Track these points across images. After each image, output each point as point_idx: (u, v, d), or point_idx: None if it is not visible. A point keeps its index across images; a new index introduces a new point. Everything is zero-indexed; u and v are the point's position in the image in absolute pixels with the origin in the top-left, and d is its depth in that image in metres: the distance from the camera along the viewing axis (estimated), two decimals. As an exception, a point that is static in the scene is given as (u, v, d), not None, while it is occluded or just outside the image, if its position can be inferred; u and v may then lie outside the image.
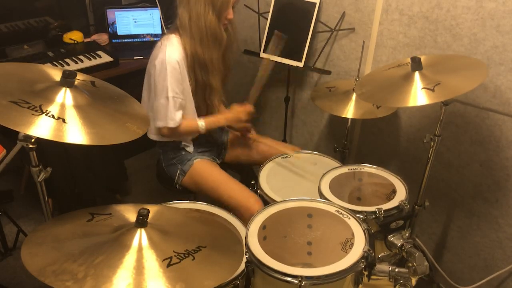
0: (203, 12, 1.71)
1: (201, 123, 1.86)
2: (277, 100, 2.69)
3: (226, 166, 2.14)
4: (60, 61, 2.31)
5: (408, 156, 2.18)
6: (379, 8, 2.02)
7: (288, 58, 2.25)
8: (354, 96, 1.98)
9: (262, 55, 2.32)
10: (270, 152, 2.07)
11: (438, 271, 2.21)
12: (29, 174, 2.35)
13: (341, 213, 1.49)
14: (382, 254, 1.58)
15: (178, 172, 1.95)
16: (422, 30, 1.91)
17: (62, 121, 1.14)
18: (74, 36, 2.53)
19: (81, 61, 2.32)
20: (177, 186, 1.97)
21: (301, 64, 2.22)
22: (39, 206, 1.32)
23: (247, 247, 1.33)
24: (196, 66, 1.80)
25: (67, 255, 1.02)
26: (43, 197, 1.30)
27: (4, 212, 2.26)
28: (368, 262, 1.30)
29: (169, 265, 1.02)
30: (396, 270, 1.36)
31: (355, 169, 1.81)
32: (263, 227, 1.44)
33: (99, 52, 2.41)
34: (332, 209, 1.51)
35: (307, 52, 2.20)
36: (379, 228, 1.54)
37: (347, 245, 1.44)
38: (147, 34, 2.67)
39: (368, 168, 1.81)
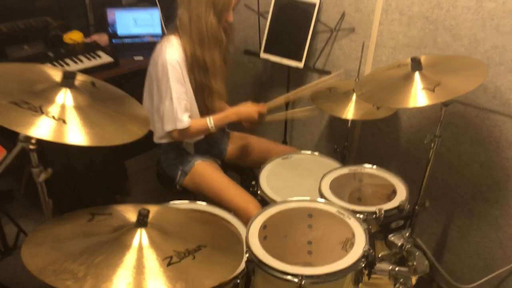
0: (204, 14, 1.71)
1: (210, 121, 1.84)
2: (277, 100, 2.69)
3: (227, 167, 2.14)
4: (60, 61, 2.30)
5: (408, 156, 2.18)
6: (379, 8, 2.02)
7: (288, 58, 2.25)
8: (354, 96, 1.98)
9: (262, 55, 2.32)
10: (269, 154, 2.07)
11: (438, 271, 2.21)
12: (29, 174, 2.34)
13: (341, 213, 1.49)
14: (383, 253, 1.57)
15: (179, 173, 1.95)
16: (422, 30, 1.91)
17: (62, 121, 1.14)
18: (74, 36, 2.53)
19: (81, 61, 2.32)
20: (177, 186, 1.97)
21: (301, 65, 2.22)
22: (39, 206, 1.32)
23: (248, 246, 1.33)
24: (195, 67, 1.80)
25: (67, 255, 1.02)
26: (44, 197, 1.30)
27: (4, 212, 2.26)
28: (368, 261, 1.30)
29: (169, 264, 1.02)
30: (396, 269, 1.36)
31: (356, 169, 1.81)
32: (264, 227, 1.44)
33: (99, 53, 2.41)
34: (332, 209, 1.51)
35: (307, 52, 2.20)
36: (380, 228, 1.54)
37: (347, 244, 1.44)
38: (147, 34, 2.67)
39: (368, 169, 1.81)
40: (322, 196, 1.65)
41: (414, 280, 1.39)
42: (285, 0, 2.26)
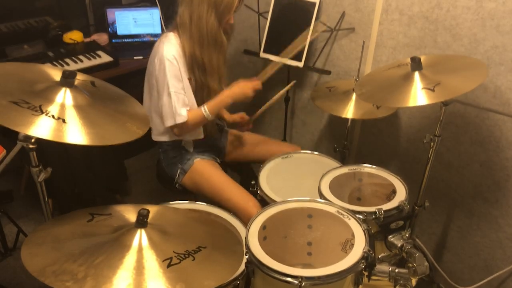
0: (205, 15, 1.71)
1: (204, 109, 1.81)
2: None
3: (226, 166, 2.14)
4: (60, 61, 2.30)
5: (408, 156, 2.18)
6: (379, 8, 2.02)
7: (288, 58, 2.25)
8: (354, 96, 1.98)
9: (262, 55, 2.32)
10: (270, 152, 2.07)
11: (438, 271, 2.21)
12: (29, 174, 2.35)
13: (341, 214, 1.49)
14: (382, 254, 1.58)
15: (179, 171, 1.95)
16: (422, 30, 1.91)
17: (62, 121, 1.13)
18: (74, 36, 2.53)
19: (81, 61, 2.32)
20: (177, 185, 1.97)
21: (301, 64, 2.22)
22: (39, 206, 1.32)
23: (247, 247, 1.33)
24: (194, 66, 1.80)
25: (67, 255, 1.01)
26: (43, 197, 1.30)
27: (4, 212, 2.26)
28: (368, 262, 1.30)
29: (169, 265, 1.02)
30: (396, 270, 1.36)
31: (355, 169, 1.81)
32: (263, 227, 1.44)
33: (99, 52, 2.41)
34: (332, 209, 1.51)
35: (307, 52, 2.19)
36: (379, 228, 1.54)
37: (347, 245, 1.44)
38: (147, 34, 2.67)
39: (368, 169, 1.81)
40: (321, 196, 1.65)
41: (414, 281, 1.39)
42: (285, 0, 2.26)
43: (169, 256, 1.04)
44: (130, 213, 1.21)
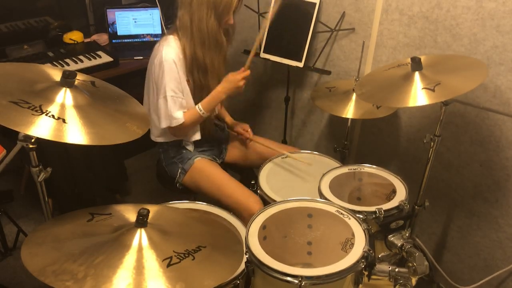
0: (205, 16, 1.72)
1: (199, 108, 1.83)
2: (277, 100, 2.69)
3: (226, 166, 2.14)
4: (60, 61, 2.31)
5: (408, 156, 2.18)
6: (379, 8, 2.02)
7: (288, 58, 2.25)
8: (354, 96, 1.98)
9: (262, 55, 2.32)
10: (267, 154, 2.07)
11: (438, 271, 2.21)
12: (29, 174, 2.35)
13: (341, 213, 1.49)
14: (382, 254, 1.58)
15: (179, 171, 1.95)
16: (422, 30, 1.91)
17: (62, 121, 1.14)
18: (74, 36, 2.53)
19: (81, 61, 2.32)
20: (177, 185, 1.98)
21: (301, 64, 2.22)
22: (39, 206, 1.32)
23: (247, 247, 1.33)
24: (194, 68, 1.81)
25: (67, 255, 1.02)
26: (43, 197, 1.30)
27: (4, 212, 2.26)
28: (368, 262, 1.30)
29: (169, 265, 1.02)
30: (396, 270, 1.36)
31: (355, 169, 1.81)
32: (263, 227, 1.44)
33: (99, 52, 2.41)
34: (332, 209, 1.51)
35: (307, 52, 2.19)
36: (379, 228, 1.54)
37: (347, 245, 1.44)
38: (147, 34, 2.67)
39: (368, 168, 1.81)
40: (321, 195, 1.65)
41: (414, 281, 1.39)
42: (285, 0, 2.26)
43: (169, 256, 1.04)
44: (130, 213, 1.21)
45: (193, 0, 1.71)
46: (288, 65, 2.27)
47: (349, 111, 1.96)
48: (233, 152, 2.15)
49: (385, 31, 2.04)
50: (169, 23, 2.55)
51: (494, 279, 2.01)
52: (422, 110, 2.04)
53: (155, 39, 2.65)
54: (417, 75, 1.54)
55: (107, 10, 2.60)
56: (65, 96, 1.20)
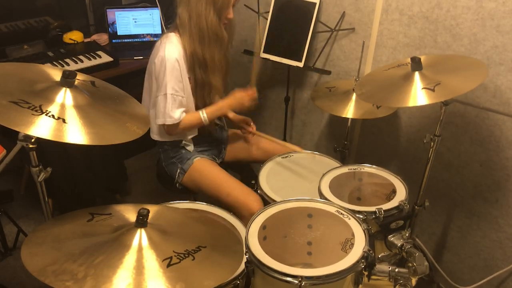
0: (204, 12, 1.71)
1: (203, 114, 1.85)
2: (277, 100, 2.69)
3: (226, 166, 2.14)
4: (60, 61, 2.31)
5: (408, 156, 2.18)
6: (379, 8, 2.02)
7: (288, 58, 2.25)
8: (354, 96, 1.98)
9: (262, 55, 2.32)
10: (270, 149, 2.07)
11: (438, 271, 2.21)
12: (29, 174, 2.35)
13: (341, 213, 1.49)
14: (382, 254, 1.57)
15: (178, 171, 1.95)
16: (422, 30, 1.91)
17: (62, 121, 1.14)
18: (74, 36, 2.53)
19: (81, 61, 2.32)
20: (177, 185, 1.97)
21: (301, 64, 2.22)
22: (39, 206, 1.32)
23: (247, 247, 1.33)
24: (195, 65, 1.81)
25: (67, 255, 1.02)
26: (43, 197, 1.30)
27: (4, 212, 2.26)
28: (368, 262, 1.30)
29: (169, 265, 1.02)
30: (396, 270, 1.36)
31: (355, 169, 1.81)
32: (263, 227, 1.44)
33: (99, 52, 2.41)
34: (332, 209, 1.51)
35: (307, 52, 2.19)
36: (379, 228, 1.54)
37: (347, 245, 1.44)
38: (147, 34, 2.67)
39: (368, 168, 1.80)
40: (321, 195, 1.65)
41: (414, 281, 1.39)
42: (285, 0, 2.26)
43: (169, 256, 1.04)
44: (130, 213, 1.21)
45: None
46: (288, 65, 2.27)
47: (349, 111, 1.96)
48: (233, 149, 2.15)
49: (385, 31, 2.04)
50: (169, 23, 2.55)
51: (494, 279, 2.01)
52: (422, 110, 2.04)
53: (155, 39, 2.65)
54: (417, 75, 1.54)
55: (107, 10, 2.60)
56: (65, 96, 1.20)
